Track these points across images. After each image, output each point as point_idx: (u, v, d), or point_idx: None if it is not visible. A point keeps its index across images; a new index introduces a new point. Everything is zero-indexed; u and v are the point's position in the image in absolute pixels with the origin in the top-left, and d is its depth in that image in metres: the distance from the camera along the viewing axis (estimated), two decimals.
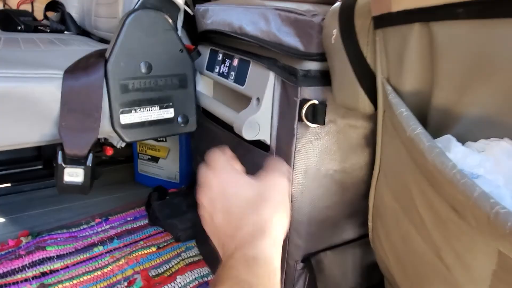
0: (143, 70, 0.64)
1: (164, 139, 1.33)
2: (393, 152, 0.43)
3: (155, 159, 1.38)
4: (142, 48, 0.63)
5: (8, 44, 0.72)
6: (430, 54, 0.34)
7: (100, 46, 0.86)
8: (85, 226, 1.14)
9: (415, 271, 0.43)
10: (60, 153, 0.59)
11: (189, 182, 1.36)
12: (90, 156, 0.60)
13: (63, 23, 1.12)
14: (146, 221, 1.19)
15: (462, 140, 0.34)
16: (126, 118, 0.63)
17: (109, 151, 0.66)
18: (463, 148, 0.33)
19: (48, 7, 1.16)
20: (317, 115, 0.55)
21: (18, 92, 0.55)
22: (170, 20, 0.65)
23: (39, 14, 1.63)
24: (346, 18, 0.47)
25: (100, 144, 0.74)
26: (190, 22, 0.84)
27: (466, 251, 0.31)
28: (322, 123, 0.56)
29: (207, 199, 0.41)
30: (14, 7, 1.58)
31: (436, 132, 0.36)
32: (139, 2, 0.65)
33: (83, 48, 0.73)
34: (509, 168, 0.30)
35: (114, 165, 1.53)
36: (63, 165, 0.59)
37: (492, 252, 0.28)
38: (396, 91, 0.39)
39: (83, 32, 1.14)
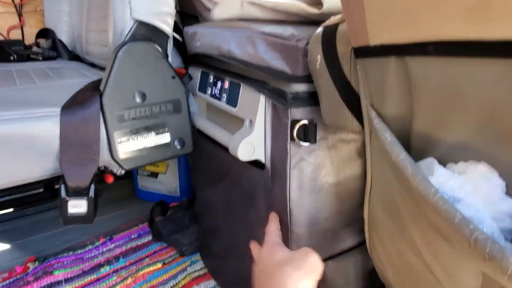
0: (138, 99, 0.66)
1: None
2: (381, 170, 0.45)
3: (154, 175, 1.40)
4: (135, 78, 0.65)
5: (4, 80, 0.74)
6: (408, 85, 0.36)
7: (93, 73, 0.88)
8: (90, 247, 1.16)
9: (411, 282, 0.45)
10: (62, 186, 0.61)
11: (189, 195, 1.38)
12: (92, 187, 0.62)
13: (55, 50, 1.14)
14: (150, 237, 1.21)
15: (443, 162, 0.36)
16: (124, 148, 0.65)
17: (110, 179, 0.68)
18: (445, 171, 0.35)
19: (39, 35, 1.17)
20: (308, 134, 0.57)
21: (19, 133, 0.57)
22: (160, 49, 0.67)
23: (29, 38, 1.65)
24: (329, 44, 0.49)
25: (101, 172, 0.76)
26: (182, 43, 0.86)
27: (453, 268, 0.33)
28: (314, 141, 0.58)
29: (256, 267, 0.59)
30: (4, 32, 1.60)
31: (419, 154, 0.39)
32: (129, 34, 0.67)
33: (77, 80, 0.74)
34: (487, 190, 0.32)
35: (114, 182, 1.54)
36: (67, 198, 0.61)
37: (477, 271, 0.31)
38: (380, 116, 0.42)
39: (74, 57, 1.15)
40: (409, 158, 0.36)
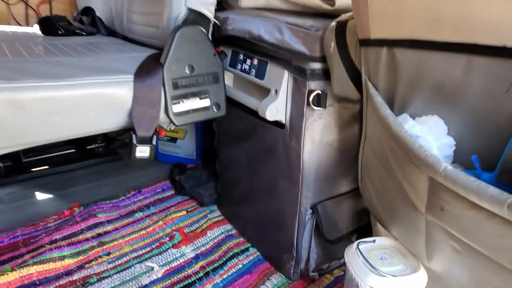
0: (187, 71, 0.85)
1: None
2: (373, 125, 0.66)
3: (173, 140, 1.60)
4: (186, 54, 0.84)
5: (74, 52, 0.92)
6: (393, 67, 0.56)
7: (138, 48, 1.06)
8: (123, 198, 1.36)
9: (389, 202, 0.67)
10: (134, 136, 0.80)
11: (204, 158, 1.59)
12: (154, 137, 0.82)
13: (94, 26, 1.31)
14: (172, 192, 1.42)
15: (413, 116, 0.57)
16: (176, 108, 0.85)
17: (162, 133, 0.87)
18: (413, 121, 0.56)
19: (83, 12, 1.33)
20: (320, 101, 0.78)
21: (103, 93, 0.75)
22: (205, 31, 0.86)
23: (56, 12, 1.80)
24: (341, 35, 0.68)
25: None
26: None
27: (414, 179, 0.54)
28: (324, 107, 0.78)
29: None
30: (34, 6, 1.75)
31: (398, 112, 0.59)
32: (182, 19, 0.85)
33: (135, 54, 0.93)
34: (436, 132, 0.53)
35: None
36: (136, 144, 0.81)
37: (426, 178, 0.52)
38: (374, 87, 0.62)
39: (111, 32, 1.33)
40: (391, 113, 0.56)
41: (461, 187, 0.45)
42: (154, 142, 0.82)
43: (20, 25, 1.72)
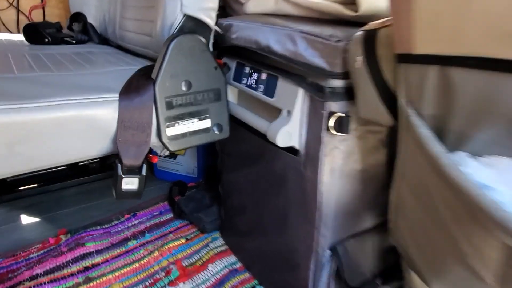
0: (184, 88, 0.72)
1: None
2: (413, 161, 0.52)
3: (173, 156, 1.47)
4: (183, 68, 0.71)
5: (55, 65, 0.80)
6: (447, 90, 0.43)
7: (130, 58, 0.93)
8: (116, 222, 1.23)
9: (435, 256, 0.53)
10: (119, 165, 0.67)
11: (206, 176, 1.46)
12: (144, 167, 0.69)
13: (85, 33, 1.19)
14: (171, 215, 1.29)
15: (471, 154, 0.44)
16: (170, 131, 0.72)
17: (155, 159, 0.74)
18: (475, 163, 0.42)
19: (72, 18, 1.22)
20: (342, 125, 0.64)
21: (83, 115, 0.63)
22: (205, 42, 0.73)
23: (49, 18, 1.69)
24: (370, 47, 0.55)
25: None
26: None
27: (481, 244, 0.41)
28: (347, 132, 0.65)
29: None
30: (26, 12, 1.64)
31: (452, 147, 0.46)
32: (177, 27, 0.72)
33: (125, 67, 0.80)
34: (510, 180, 0.39)
35: None
36: (122, 175, 0.68)
37: (500, 245, 0.38)
38: (417, 114, 0.48)
39: (103, 40, 1.21)
40: (443, 151, 0.43)
41: None
42: (143, 172, 0.69)
43: (10, 32, 1.61)
